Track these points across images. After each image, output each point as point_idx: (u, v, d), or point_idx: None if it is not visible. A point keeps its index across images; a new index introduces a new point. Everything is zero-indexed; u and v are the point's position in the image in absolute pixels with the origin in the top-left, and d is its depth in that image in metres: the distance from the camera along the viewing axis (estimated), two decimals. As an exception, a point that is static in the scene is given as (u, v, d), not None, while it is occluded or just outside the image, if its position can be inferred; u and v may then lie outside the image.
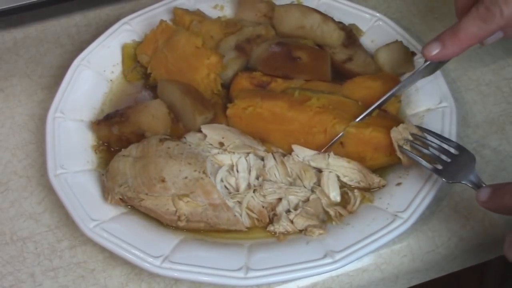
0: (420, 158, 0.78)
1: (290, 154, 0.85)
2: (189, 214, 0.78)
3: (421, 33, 1.02)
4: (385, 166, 0.84)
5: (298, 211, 0.79)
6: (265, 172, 0.83)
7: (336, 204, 0.82)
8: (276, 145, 0.87)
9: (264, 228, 0.80)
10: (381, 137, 0.81)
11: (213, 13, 1.04)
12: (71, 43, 1.05)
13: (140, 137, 0.87)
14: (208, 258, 0.75)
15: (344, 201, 0.82)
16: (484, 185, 0.71)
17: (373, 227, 0.77)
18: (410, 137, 0.80)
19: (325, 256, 0.74)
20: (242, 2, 1.03)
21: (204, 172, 0.79)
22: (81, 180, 0.83)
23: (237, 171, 0.83)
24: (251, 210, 0.80)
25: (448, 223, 0.81)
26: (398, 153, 0.79)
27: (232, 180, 0.82)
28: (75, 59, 0.95)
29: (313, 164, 0.84)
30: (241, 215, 0.80)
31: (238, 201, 0.80)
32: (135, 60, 0.98)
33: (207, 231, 0.80)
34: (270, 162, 0.84)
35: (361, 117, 0.83)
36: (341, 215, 0.80)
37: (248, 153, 0.84)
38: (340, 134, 0.83)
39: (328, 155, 0.84)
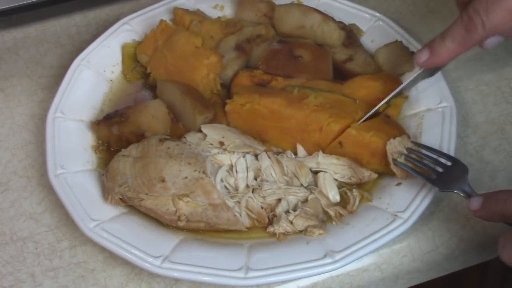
0: (414, 170, 0.78)
1: (284, 151, 0.86)
2: (189, 214, 0.78)
3: (421, 33, 1.01)
4: (380, 172, 0.84)
5: (297, 212, 0.79)
6: (261, 172, 0.83)
7: (336, 204, 0.82)
8: (274, 142, 0.88)
9: (264, 228, 0.80)
10: (380, 143, 0.81)
11: (213, 13, 1.04)
12: (71, 43, 1.05)
13: (139, 137, 0.87)
14: (208, 258, 0.75)
15: (344, 201, 0.82)
16: (475, 194, 0.71)
17: (373, 227, 0.76)
18: (405, 151, 0.80)
19: (325, 256, 0.74)
20: (242, 2, 1.03)
21: (204, 172, 0.79)
22: (81, 180, 0.83)
23: (236, 171, 0.83)
24: (251, 211, 0.80)
25: (448, 223, 0.81)
26: (392, 167, 0.80)
27: (231, 180, 0.82)
28: (75, 59, 0.95)
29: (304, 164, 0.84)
30: (240, 215, 0.80)
31: (237, 201, 0.80)
32: (135, 60, 0.98)
33: (207, 231, 0.80)
34: (265, 162, 0.84)
35: (362, 120, 0.84)
36: (341, 215, 0.80)
37: (246, 153, 0.84)
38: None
39: (318, 154, 0.84)
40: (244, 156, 0.84)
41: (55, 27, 1.07)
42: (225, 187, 0.82)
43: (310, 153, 0.86)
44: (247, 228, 0.80)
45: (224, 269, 0.73)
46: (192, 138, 0.85)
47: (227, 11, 1.05)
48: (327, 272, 0.74)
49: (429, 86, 0.90)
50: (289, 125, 0.85)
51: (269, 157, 0.84)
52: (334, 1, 1.03)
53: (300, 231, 0.78)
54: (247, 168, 0.83)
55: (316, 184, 0.83)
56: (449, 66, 0.96)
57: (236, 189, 0.82)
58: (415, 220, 0.76)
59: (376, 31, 1.00)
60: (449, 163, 0.78)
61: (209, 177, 0.79)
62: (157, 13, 1.01)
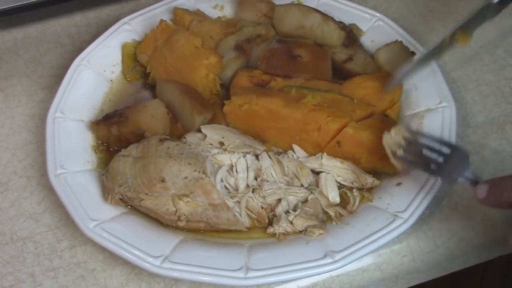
0: (416, 163, 0.77)
1: (285, 152, 0.85)
2: (189, 214, 0.78)
3: (421, 33, 1.02)
4: (379, 171, 0.84)
5: (297, 212, 0.79)
6: (262, 172, 0.83)
7: (336, 204, 0.81)
8: (273, 142, 0.88)
9: (264, 228, 0.80)
10: (377, 141, 0.80)
11: (213, 13, 1.04)
12: (71, 43, 1.05)
13: (139, 137, 0.86)
14: (208, 258, 0.75)
15: (344, 201, 0.82)
16: (480, 181, 0.71)
17: (373, 227, 0.76)
18: (403, 141, 0.78)
19: (325, 256, 0.74)
20: (242, 2, 1.03)
21: (204, 172, 0.79)
22: (81, 180, 0.83)
23: (236, 171, 0.83)
24: (251, 211, 0.80)
25: (448, 223, 0.81)
26: (392, 161, 0.78)
27: (231, 180, 0.82)
28: (75, 59, 0.95)
29: (307, 165, 0.84)
30: (240, 215, 0.80)
31: (237, 201, 0.80)
32: (135, 60, 0.98)
33: (207, 231, 0.80)
34: (266, 162, 0.84)
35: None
36: (341, 215, 0.80)
37: (247, 153, 0.84)
38: None
39: (321, 155, 0.84)
40: (244, 156, 0.84)
41: (55, 27, 1.08)
42: (225, 187, 0.82)
43: (308, 153, 0.86)
44: (247, 228, 0.80)
45: (224, 269, 0.73)
46: (192, 138, 0.85)
47: (227, 11, 1.05)
48: (327, 272, 0.74)
49: (429, 86, 0.90)
50: (287, 125, 0.85)
51: (269, 157, 0.84)
52: (334, 1, 1.03)
53: (300, 231, 0.78)
54: (247, 168, 0.83)
55: (317, 184, 0.83)
56: (449, 66, 0.96)
57: (236, 189, 0.82)
58: (415, 220, 0.76)
59: (376, 31, 1.00)
60: (448, 151, 0.76)
61: (209, 177, 0.79)
62: (157, 13, 1.01)
